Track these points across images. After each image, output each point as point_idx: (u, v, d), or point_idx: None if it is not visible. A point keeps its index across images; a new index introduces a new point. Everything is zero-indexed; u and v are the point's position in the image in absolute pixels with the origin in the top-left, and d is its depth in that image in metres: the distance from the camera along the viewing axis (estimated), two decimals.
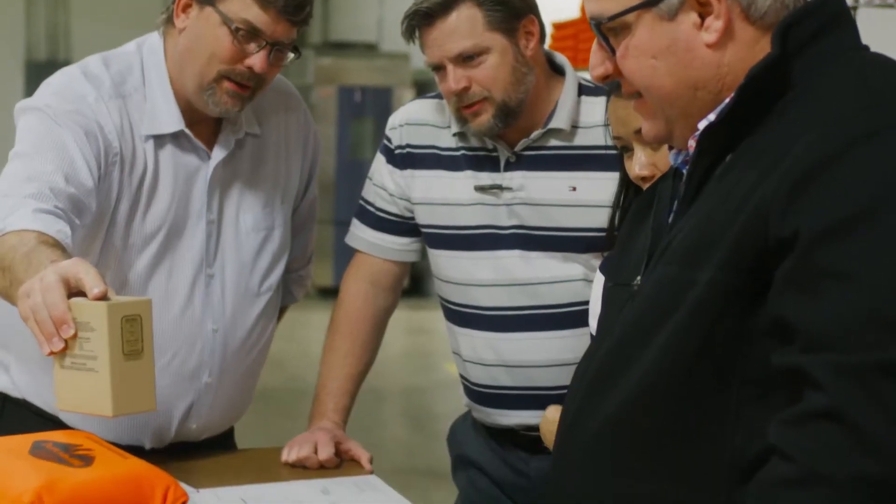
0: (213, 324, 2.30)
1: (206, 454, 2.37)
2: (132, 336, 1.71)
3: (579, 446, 1.49)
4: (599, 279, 1.90)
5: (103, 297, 1.72)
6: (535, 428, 2.22)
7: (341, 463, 2.35)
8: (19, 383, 2.29)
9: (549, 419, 1.86)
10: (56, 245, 1.93)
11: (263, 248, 2.38)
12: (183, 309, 2.27)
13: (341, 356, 2.45)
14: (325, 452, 2.30)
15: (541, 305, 2.25)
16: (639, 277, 1.51)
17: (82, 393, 1.69)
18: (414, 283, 10.45)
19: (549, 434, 1.83)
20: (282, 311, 2.70)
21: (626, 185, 1.87)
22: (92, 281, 1.72)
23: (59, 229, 1.98)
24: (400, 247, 2.48)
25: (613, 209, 1.93)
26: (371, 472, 2.31)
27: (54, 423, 2.26)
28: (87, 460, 1.49)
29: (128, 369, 1.70)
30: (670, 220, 1.50)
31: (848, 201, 1.27)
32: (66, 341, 1.71)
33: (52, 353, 1.72)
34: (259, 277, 2.37)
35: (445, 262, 2.37)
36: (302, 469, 2.31)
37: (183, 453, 2.33)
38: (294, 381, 6.22)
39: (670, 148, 1.54)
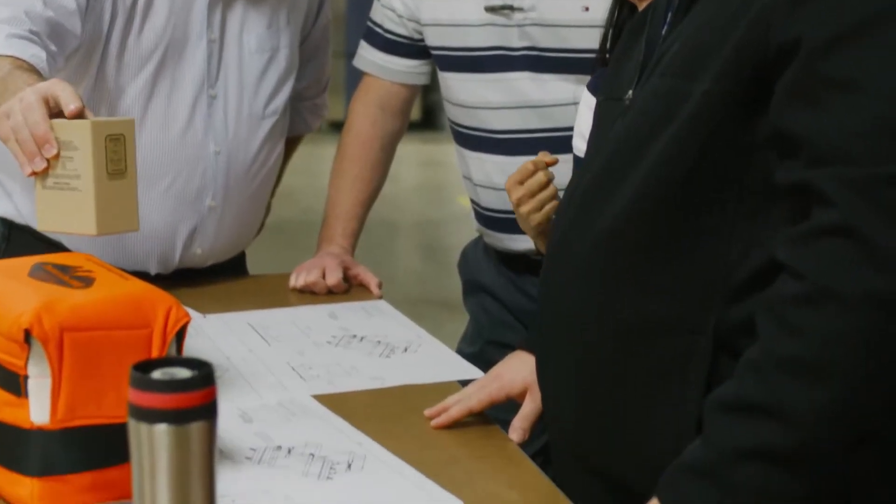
0: (215, 146, 2.26)
1: (213, 280, 2.36)
2: (116, 155, 1.68)
3: (570, 261, 1.46)
4: (586, 99, 1.85)
5: (80, 115, 1.69)
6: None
7: (350, 288, 2.33)
8: (23, 210, 2.27)
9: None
10: (32, 70, 1.90)
11: (268, 69, 2.32)
12: (184, 130, 2.23)
13: (349, 181, 2.41)
14: (333, 277, 2.29)
15: (554, 128, 2.20)
16: (631, 91, 1.46)
17: (65, 212, 1.67)
18: (426, 116, 10.39)
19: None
20: (296, 141, 2.66)
21: (620, 2, 1.80)
22: (67, 97, 1.69)
23: (33, 53, 1.94)
24: (409, 69, 2.42)
25: (606, 28, 1.86)
26: (380, 297, 2.30)
27: (58, 248, 2.24)
28: (86, 281, 1.45)
29: (111, 188, 1.68)
30: (664, 32, 1.44)
31: (854, 9, 1.20)
32: (48, 161, 1.69)
33: (34, 173, 1.70)
34: (264, 99, 2.32)
35: (456, 85, 2.31)
36: (310, 294, 2.30)
37: (190, 279, 2.32)
38: (306, 213, 6.19)
39: None
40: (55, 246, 2.25)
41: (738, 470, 1.18)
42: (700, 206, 1.32)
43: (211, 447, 1.16)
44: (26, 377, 1.37)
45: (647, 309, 1.36)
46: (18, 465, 1.39)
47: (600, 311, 1.40)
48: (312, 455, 1.57)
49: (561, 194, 1.88)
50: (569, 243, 1.47)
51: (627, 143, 1.40)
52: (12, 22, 1.95)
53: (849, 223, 1.17)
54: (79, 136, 1.67)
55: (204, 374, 1.15)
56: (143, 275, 2.20)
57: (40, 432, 1.37)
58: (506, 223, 2.25)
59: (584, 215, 1.45)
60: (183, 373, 1.15)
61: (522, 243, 2.24)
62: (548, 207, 1.82)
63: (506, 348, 2.30)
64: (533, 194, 1.82)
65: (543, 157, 1.84)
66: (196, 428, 1.14)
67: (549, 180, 1.83)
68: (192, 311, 2.11)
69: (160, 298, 1.44)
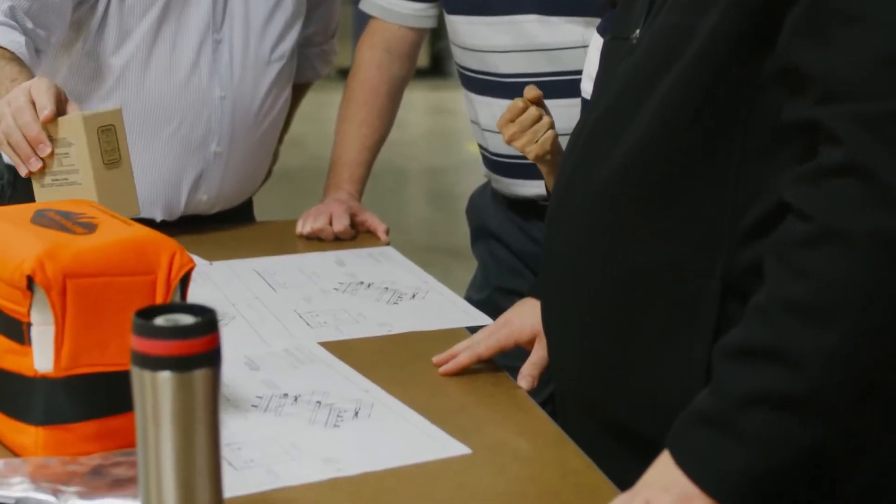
0: (220, 91, 2.23)
1: (220, 227, 2.34)
2: (109, 146, 1.74)
3: (574, 207, 1.43)
4: (595, 42, 1.82)
5: (54, 119, 1.74)
6: None
7: (357, 234, 2.31)
8: None
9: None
10: (13, 59, 1.95)
11: (274, 13, 2.29)
12: (188, 75, 2.20)
13: (356, 126, 2.38)
14: (340, 224, 2.26)
15: (563, 71, 2.16)
16: (638, 30, 1.43)
17: None
18: (434, 63, 10.32)
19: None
20: (304, 88, 2.63)
21: None
22: (43, 102, 1.75)
23: (12, 39, 1.99)
24: (415, 12, 2.38)
25: None
26: (387, 244, 2.28)
27: None
28: (89, 227, 1.43)
29: (110, 177, 1.75)
30: None
31: None
32: (43, 160, 1.75)
33: (30, 173, 1.76)
34: (270, 44, 2.29)
35: (462, 29, 2.28)
36: (317, 241, 2.28)
37: (196, 227, 2.30)
38: (314, 160, 6.15)
39: None
40: None
41: (747, 417, 1.16)
42: (706, 147, 1.30)
43: (215, 394, 1.14)
44: (29, 324, 1.35)
45: (653, 254, 1.34)
46: (22, 414, 1.38)
47: (605, 258, 1.38)
48: (319, 403, 1.55)
49: (563, 140, 1.86)
50: (573, 187, 1.44)
51: (633, 83, 1.37)
52: None
53: (856, 160, 1.13)
54: (72, 132, 1.73)
55: (207, 320, 1.14)
56: (148, 222, 2.19)
57: (44, 380, 1.36)
58: (514, 168, 2.23)
59: (589, 159, 1.42)
60: (186, 319, 1.14)
61: (530, 188, 2.21)
62: (543, 138, 1.80)
63: (514, 295, 2.29)
64: (525, 129, 1.80)
65: (530, 92, 1.82)
66: (200, 375, 1.12)
67: (541, 115, 1.81)
68: (198, 258, 2.11)
69: (164, 244, 1.42)
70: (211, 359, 1.13)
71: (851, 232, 1.13)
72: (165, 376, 1.11)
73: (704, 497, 1.17)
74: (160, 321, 1.13)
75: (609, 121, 1.40)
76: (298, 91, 2.58)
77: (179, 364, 1.12)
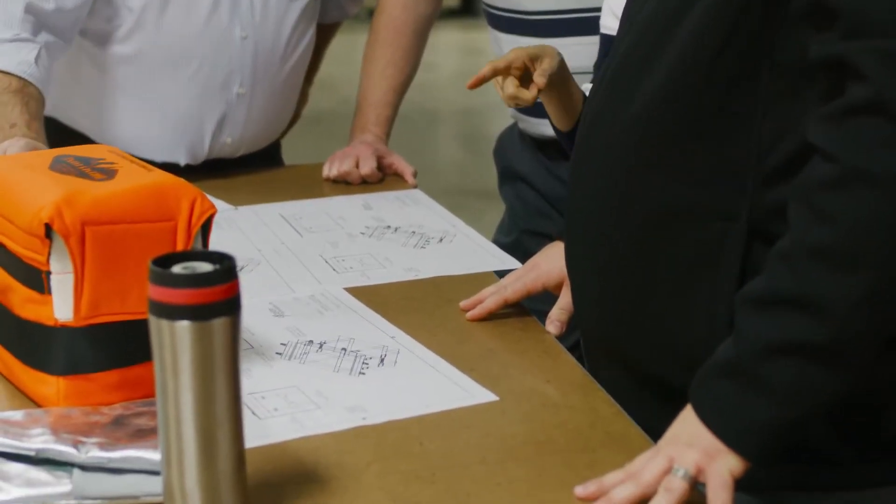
0: (241, 31, 2.20)
1: (246, 171, 2.32)
2: None
3: (599, 148, 1.39)
4: None
5: None
6: None
7: (384, 177, 2.28)
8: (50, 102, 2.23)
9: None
10: (19, 90, 1.96)
11: None
12: (208, 16, 2.16)
13: (382, 66, 2.34)
14: (367, 166, 2.23)
15: (588, 8, 2.11)
16: None
17: None
18: (465, 3, 10.22)
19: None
20: (333, 28, 2.59)
21: None
22: None
23: (20, 60, 2.00)
24: None
25: None
26: (415, 187, 2.24)
27: (83, 139, 2.21)
28: (109, 173, 1.41)
29: None
30: None
31: None
32: None
33: None
34: None
35: None
36: (344, 185, 2.25)
37: (222, 171, 2.28)
38: (344, 104, 6.10)
39: None
40: (80, 137, 2.22)
41: (770, 366, 1.12)
42: (731, 86, 1.25)
43: (235, 343, 1.12)
44: (48, 273, 1.33)
45: (677, 196, 1.30)
46: (44, 364, 1.36)
47: (629, 200, 1.34)
48: (344, 350, 1.53)
49: (587, 78, 1.81)
50: (599, 125, 1.40)
51: (657, 20, 1.33)
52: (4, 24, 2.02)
53: (882, 98, 1.09)
54: None
55: (226, 268, 1.11)
56: (172, 166, 2.18)
57: (64, 330, 1.34)
58: (540, 107, 2.18)
59: (613, 99, 1.38)
60: (204, 267, 1.11)
61: None
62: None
63: (541, 237, 2.25)
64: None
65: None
66: (219, 324, 1.10)
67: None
68: (223, 204, 2.09)
69: (185, 190, 1.39)
70: (230, 307, 1.11)
71: (876, 172, 1.08)
72: (184, 325, 1.09)
73: (728, 451, 1.14)
74: (178, 269, 1.10)
75: (633, 61, 1.36)
76: (327, 32, 2.55)
77: (198, 313, 1.09)
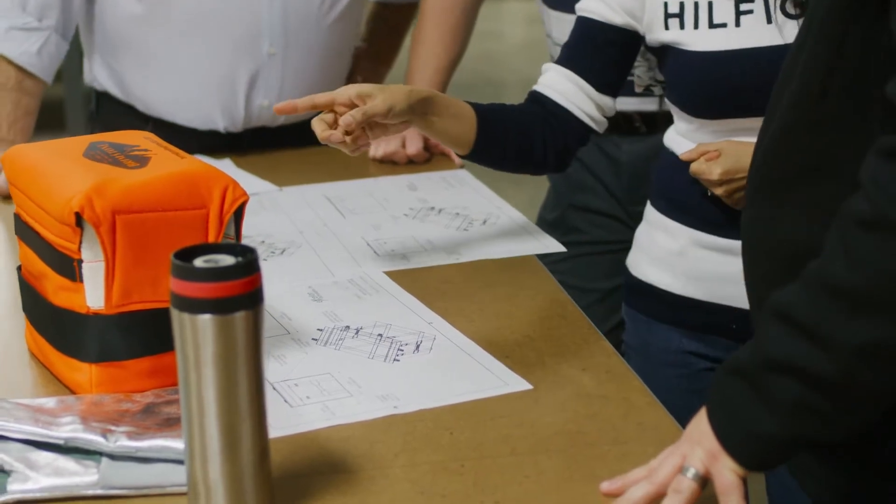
0: None
1: (293, 148, 2.30)
2: None
3: (752, 176, 1.33)
4: None
5: None
6: (627, 113, 2.10)
7: (431, 157, 2.26)
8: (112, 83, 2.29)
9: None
10: (18, 85, 2.06)
11: None
12: None
13: (429, 46, 2.32)
14: (414, 146, 2.22)
15: None
16: None
17: None
18: None
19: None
20: (408, 10, 2.57)
21: None
22: None
23: (23, 51, 2.08)
24: None
25: None
26: (461, 167, 2.23)
27: (133, 112, 2.25)
28: (142, 161, 1.40)
29: None
30: None
31: None
32: None
33: None
34: None
35: None
36: (391, 165, 2.24)
37: (268, 146, 2.28)
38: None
39: None
40: (132, 111, 2.25)
41: (776, 380, 1.07)
42: (840, 119, 1.17)
43: (257, 336, 1.12)
44: (80, 261, 1.34)
45: (796, 230, 1.22)
46: (76, 352, 1.37)
47: (760, 231, 1.28)
48: (381, 336, 1.52)
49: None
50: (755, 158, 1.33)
51: (796, 47, 1.26)
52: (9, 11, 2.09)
53: None
54: None
55: (248, 261, 1.10)
56: (213, 134, 2.19)
57: (97, 317, 1.35)
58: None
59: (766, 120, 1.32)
60: (227, 260, 1.10)
61: None
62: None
63: (585, 212, 2.23)
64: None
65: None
66: (240, 317, 1.10)
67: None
68: (268, 185, 2.10)
69: (216, 177, 1.39)
70: (252, 300, 1.10)
71: None
72: (206, 319, 1.09)
73: (725, 456, 1.11)
74: (199, 262, 1.10)
75: (780, 82, 1.29)
76: (405, 12, 2.54)
77: (220, 306, 1.09)
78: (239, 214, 1.40)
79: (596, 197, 2.21)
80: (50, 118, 4.60)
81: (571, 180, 2.26)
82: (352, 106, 1.60)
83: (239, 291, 1.09)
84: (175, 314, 1.10)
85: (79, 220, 1.31)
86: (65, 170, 1.39)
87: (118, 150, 1.44)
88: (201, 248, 1.12)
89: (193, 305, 1.09)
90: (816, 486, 1.27)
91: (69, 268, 1.35)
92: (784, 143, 1.24)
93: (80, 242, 1.33)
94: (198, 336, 1.09)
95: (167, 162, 1.41)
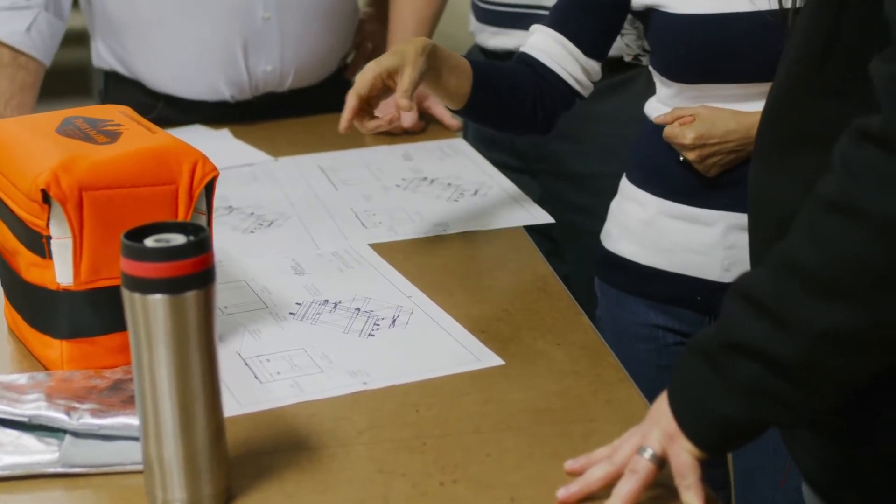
0: None
1: (292, 120, 2.30)
2: None
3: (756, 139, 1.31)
4: None
5: None
6: None
7: (426, 126, 2.25)
8: (120, 63, 2.29)
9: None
10: (8, 64, 2.05)
11: None
12: None
13: None
14: (409, 119, 2.19)
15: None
16: None
17: None
18: None
19: None
20: None
21: None
22: None
23: (12, 30, 2.07)
24: None
25: None
26: (459, 130, 2.21)
27: (140, 88, 2.25)
28: (112, 136, 1.40)
29: None
30: None
31: None
32: None
33: None
34: None
35: None
36: (387, 136, 2.22)
37: (279, 111, 2.28)
38: None
39: None
40: (139, 87, 2.26)
41: (735, 361, 1.05)
42: (834, 90, 1.15)
43: (209, 315, 1.11)
44: (49, 238, 1.34)
45: (791, 199, 1.17)
46: (48, 328, 1.37)
47: (760, 194, 1.26)
48: (358, 310, 1.52)
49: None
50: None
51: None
52: None
53: (888, 131, 0.98)
54: None
55: (199, 241, 1.10)
56: (223, 105, 2.19)
57: (67, 294, 1.35)
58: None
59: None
60: (178, 239, 1.10)
61: None
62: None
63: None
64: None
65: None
66: (192, 297, 1.09)
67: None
68: (263, 155, 2.09)
69: (185, 153, 1.38)
70: (203, 279, 1.10)
71: (869, 210, 0.98)
72: (157, 299, 1.09)
73: (682, 437, 1.10)
74: (150, 242, 1.10)
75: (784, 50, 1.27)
76: None
77: (171, 286, 1.09)
78: (210, 189, 1.40)
79: None
80: (79, 84, 4.62)
81: None
82: (380, 87, 1.58)
83: (190, 271, 1.09)
84: (126, 294, 1.10)
85: (46, 196, 1.31)
86: (35, 146, 1.39)
87: (91, 125, 1.44)
88: (152, 228, 1.11)
89: (144, 285, 1.09)
90: (810, 460, 1.25)
91: (38, 244, 1.35)
92: (777, 110, 1.22)
93: (49, 219, 1.33)
94: (149, 316, 1.09)
95: (137, 137, 1.41)
